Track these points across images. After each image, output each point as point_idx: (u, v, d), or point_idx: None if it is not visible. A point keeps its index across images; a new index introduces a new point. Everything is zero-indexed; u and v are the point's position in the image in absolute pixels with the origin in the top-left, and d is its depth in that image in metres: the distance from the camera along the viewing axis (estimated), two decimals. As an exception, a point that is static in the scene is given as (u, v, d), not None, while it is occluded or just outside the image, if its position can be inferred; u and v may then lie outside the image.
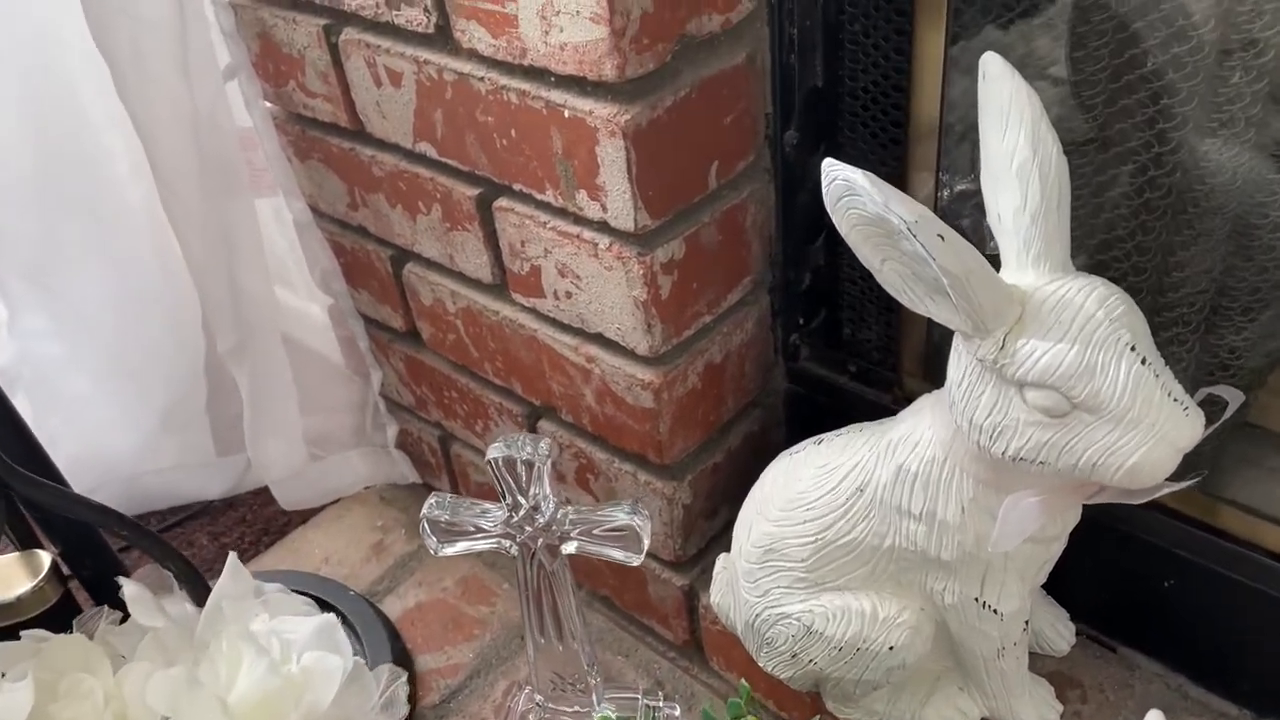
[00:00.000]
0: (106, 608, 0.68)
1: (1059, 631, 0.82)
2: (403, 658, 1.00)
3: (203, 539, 1.26)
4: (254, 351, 1.11)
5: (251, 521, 1.27)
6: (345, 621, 1.02)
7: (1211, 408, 0.60)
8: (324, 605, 1.04)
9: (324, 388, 1.19)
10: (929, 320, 0.82)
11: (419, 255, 0.95)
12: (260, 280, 1.08)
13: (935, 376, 0.76)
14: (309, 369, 1.17)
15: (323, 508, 1.22)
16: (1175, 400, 0.57)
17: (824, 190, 0.58)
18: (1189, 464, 0.59)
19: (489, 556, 1.13)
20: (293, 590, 0.87)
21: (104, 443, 1.27)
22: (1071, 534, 0.72)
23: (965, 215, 0.79)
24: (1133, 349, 0.57)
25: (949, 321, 0.60)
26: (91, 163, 1.13)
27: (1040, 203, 0.59)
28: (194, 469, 1.30)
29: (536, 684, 0.86)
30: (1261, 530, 0.71)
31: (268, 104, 0.98)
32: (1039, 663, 0.82)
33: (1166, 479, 0.59)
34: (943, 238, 0.55)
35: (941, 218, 0.56)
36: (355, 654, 0.81)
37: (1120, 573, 0.79)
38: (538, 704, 0.87)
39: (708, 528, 0.92)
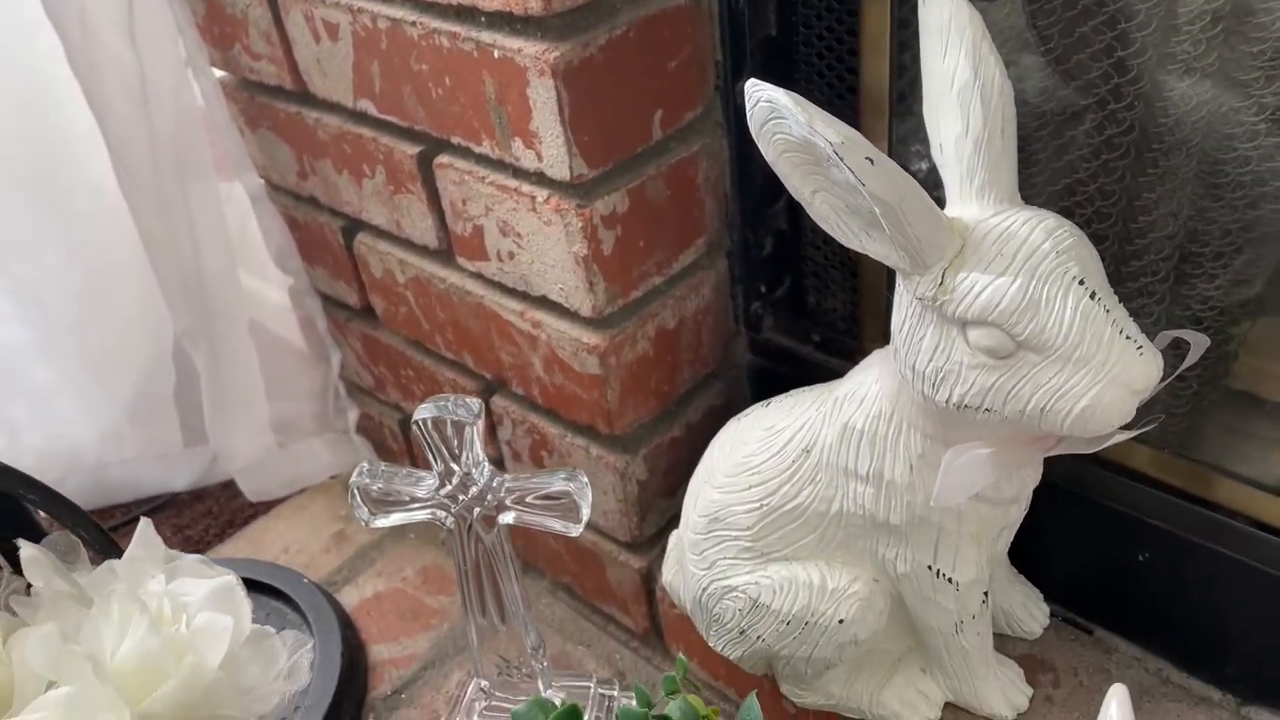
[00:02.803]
0: (7, 571, 0.64)
1: (1031, 612, 0.77)
2: (355, 647, 0.96)
3: (166, 531, 1.22)
4: (213, 334, 1.08)
5: (217, 514, 1.24)
6: (296, 610, 0.98)
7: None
8: (275, 593, 1.00)
9: (286, 373, 1.16)
10: (887, 286, 0.79)
11: (368, 224, 0.91)
12: (222, 263, 1.05)
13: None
14: (270, 354, 1.14)
15: (286, 498, 1.19)
16: (1128, 338, 0.53)
17: (748, 114, 0.54)
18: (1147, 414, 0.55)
19: (452, 546, 1.09)
20: (242, 578, 0.83)
21: (68, 433, 1.24)
22: (1041, 505, 0.68)
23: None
24: (1081, 283, 0.53)
25: (886, 258, 0.56)
26: (51, 146, 1.11)
27: (983, 128, 0.55)
28: (160, 460, 1.27)
29: (480, 669, 0.82)
30: (1243, 496, 0.66)
31: (217, 71, 0.95)
32: (1011, 645, 0.77)
33: (1122, 426, 0.54)
34: (871, 161, 0.51)
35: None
36: (304, 639, 0.77)
37: (1094, 547, 0.74)
38: (484, 690, 0.83)
39: (667, 506, 0.88)
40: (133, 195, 1.00)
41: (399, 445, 1.11)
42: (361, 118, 0.84)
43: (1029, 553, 0.76)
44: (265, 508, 1.19)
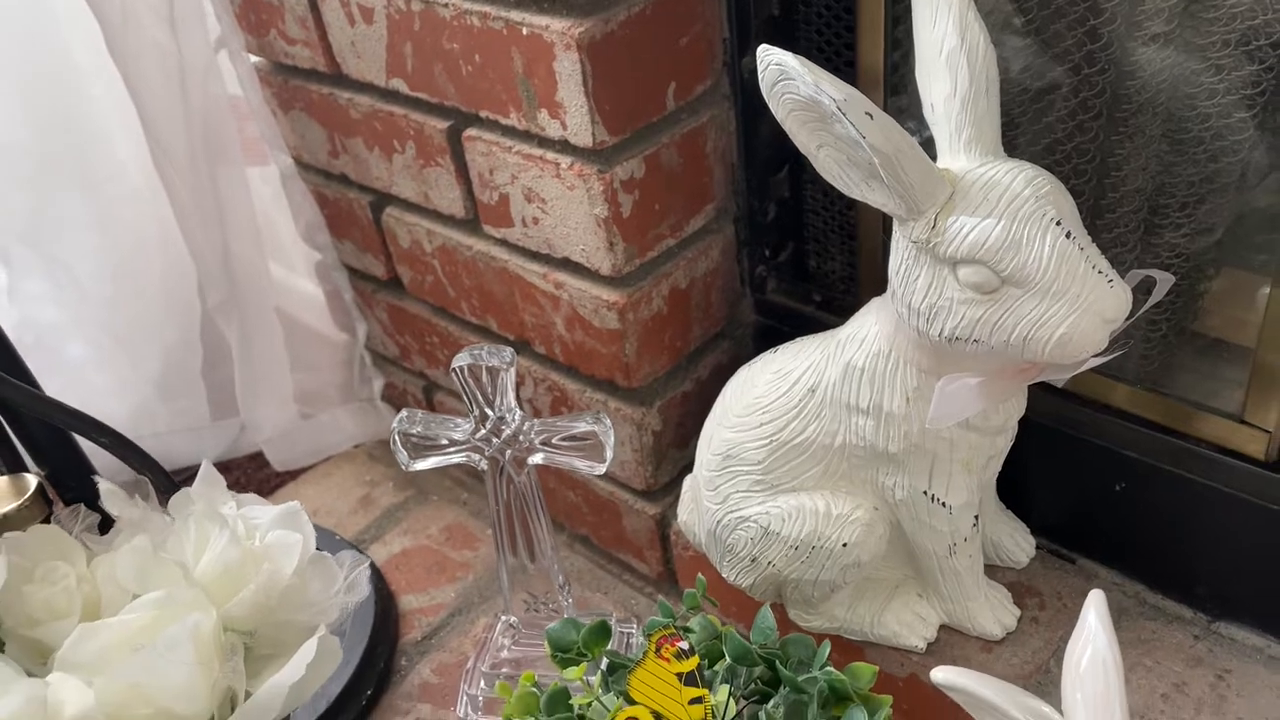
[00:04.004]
0: (83, 507, 0.70)
1: (1018, 543, 0.83)
2: (386, 596, 1.02)
3: (197, 499, 1.28)
4: (243, 310, 1.14)
5: (245, 484, 1.30)
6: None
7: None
8: (310, 547, 1.06)
9: (312, 346, 1.22)
10: (884, 250, 0.85)
11: (396, 197, 0.97)
12: (251, 245, 1.11)
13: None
14: (297, 329, 1.20)
15: (312, 466, 1.25)
16: (1100, 273, 0.59)
17: (760, 76, 0.60)
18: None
19: (475, 504, 1.15)
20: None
21: (102, 407, 1.28)
22: (1026, 444, 0.74)
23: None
24: (1058, 224, 0.59)
25: (884, 205, 0.62)
26: (86, 129, 1.17)
27: (969, 88, 0.61)
28: (190, 433, 1.32)
29: (510, 606, 0.88)
30: (1209, 425, 0.73)
31: (252, 57, 1.01)
32: (999, 575, 0.83)
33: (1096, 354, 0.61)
34: (871, 116, 0.57)
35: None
36: (361, 559, 0.81)
37: (1075, 481, 0.80)
38: (512, 626, 0.89)
39: (679, 457, 0.94)
40: (169, 176, 1.05)
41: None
42: (393, 96, 0.90)
43: (1016, 489, 0.83)
44: (291, 476, 1.25)
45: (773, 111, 0.61)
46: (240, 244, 1.10)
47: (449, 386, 1.10)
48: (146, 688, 0.53)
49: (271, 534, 0.63)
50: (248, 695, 0.58)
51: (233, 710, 0.57)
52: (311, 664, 0.57)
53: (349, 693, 0.91)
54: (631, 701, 0.62)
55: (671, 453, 0.93)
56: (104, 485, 0.67)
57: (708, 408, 0.84)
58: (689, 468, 0.95)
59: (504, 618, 0.90)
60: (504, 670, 0.89)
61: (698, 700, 0.62)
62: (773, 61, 0.59)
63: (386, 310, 1.10)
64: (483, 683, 0.89)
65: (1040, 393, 0.74)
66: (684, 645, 0.62)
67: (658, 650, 0.61)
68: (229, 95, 1.04)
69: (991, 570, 0.82)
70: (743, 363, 0.95)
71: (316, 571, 0.64)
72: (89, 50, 1.05)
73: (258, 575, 0.60)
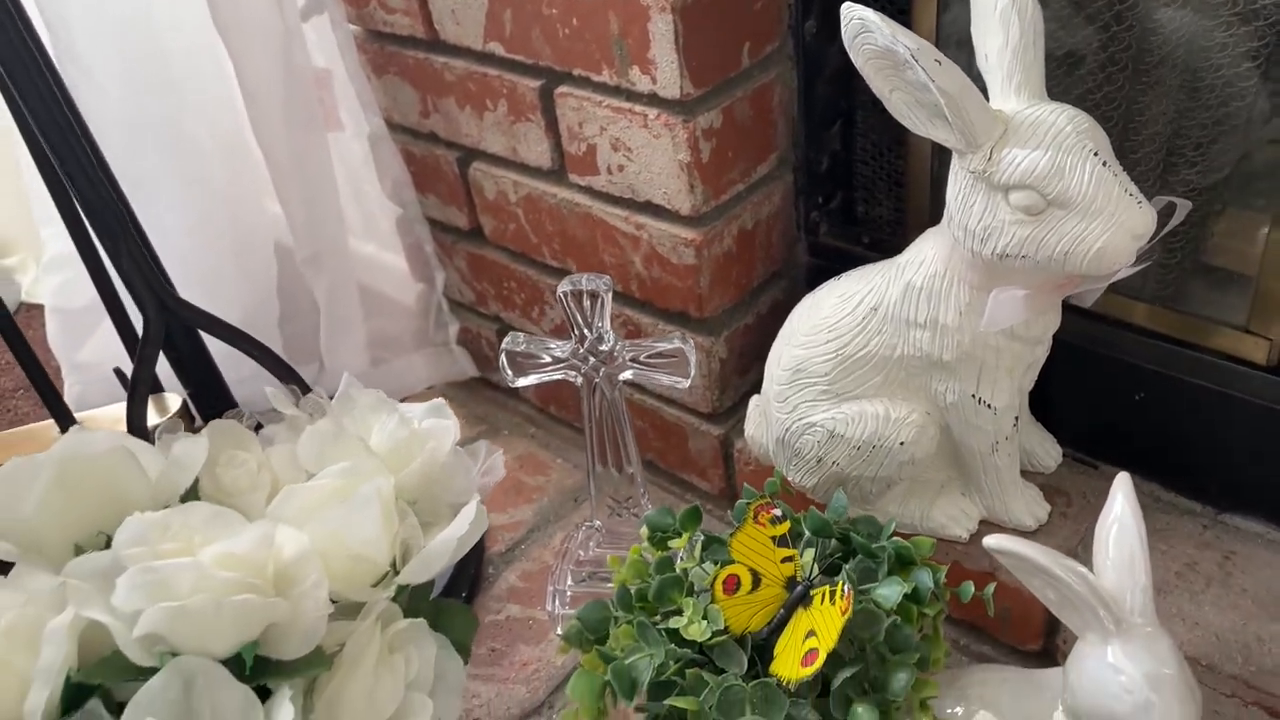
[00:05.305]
0: (244, 412, 0.81)
1: (1047, 451, 0.94)
2: (470, 515, 1.13)
3: (279, 439, 1.38)
4: (329, 263, 1.24)
5: (321, 426, 1.40)
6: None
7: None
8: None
9: (390, 297, 1.32)
10: (930, 195, 0.96)
11: (484, 152, 1.08)
12: (334, 205, 1.21)
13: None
14: (376, 280, 1.31)
15: (389, 406, 1.35)
16: (1131, 195, 0.70)
17: (843, 30, 0.71)
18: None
19: (543, 438, 1.26)
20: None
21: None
22: (1056, 362, 0.85)
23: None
24: (1095, 154, 0.70)
25: (946, 141, 0.73)
26: (179, 92, 1.26)
27: (1020, 40, 0.72)
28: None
29: (596, 510, 0.99)
30: (1218, 336, 0.84)
31: (351, 26, 1.11)
32: (1031, 478, 0.94)
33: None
34: (939, 62, 0.68)
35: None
36: (494, 448, 0.89)
37: (1098, 393, 0.91)
38: (597, 528, 1.00)
39: (740, 384, 1.05)
40: (266, 139, 1.15)
41: (494, 353, 1.28)
42: (488, 58, 1.01)
43: (1046, 404, 0.94)
44: (367, 417, 1.35)
45: (853, 60, 0.72)
46: (326, 203, 1.20)
47: (522, 328, 1.21)
48: (344, 536, 0.64)
49: (425, 421, 0.74)
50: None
51: (405, 562, 0.68)
52: (472, 524, 0.68)
53: (447, 593, 1.03)
54: (731, 562, 0.73)
55: (734, 380, 1.05)
56: (271, 390, 0.78)
57: (767, 340, 0.95)
58: (749, 393, 1.06)
59: (588, 524, 1.01)
60: (588, 569, 1.00)
61: (788, 559, 0.73)
62: (854, 16, 0.70)
63: (465, 259, 1.21)
64: (569, 579, 1.00)
65: (1070, 315, 0.85)
66: (777, 512, 0.73)
67: (755, 517, 0.73)
68: (313, 67, 1.14)
69: (1024, 475, 0.93)
70: (797, 300, 1.06)
71: (459, 457, 0.75)
72: (177, 27, 1.15)
73: (422, 452, 0.71)
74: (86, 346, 1.39)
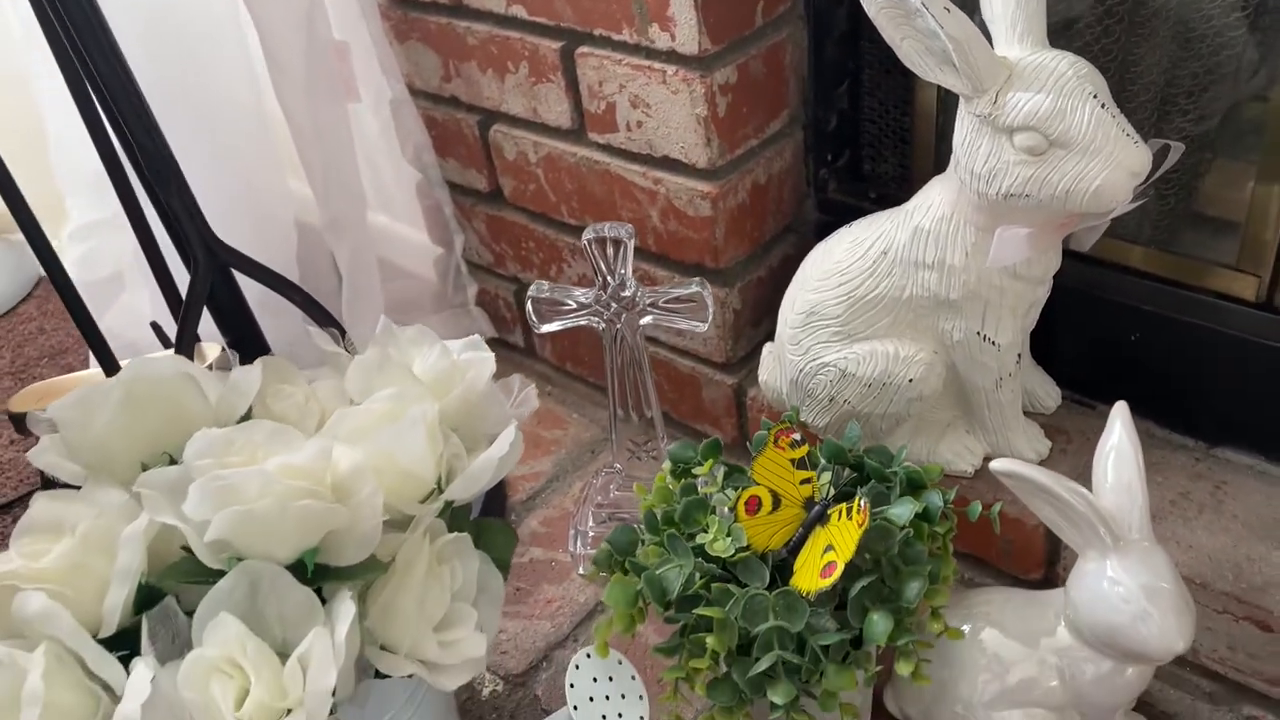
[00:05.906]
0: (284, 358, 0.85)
1: (1048, 392, 0.99)
2: (492, 465, 1.18)
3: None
4: (349, 228, 1.28)
5: (341, 389, 1.44)
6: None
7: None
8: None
9: (409, 261, 1.36)
10: (934, 153, 1.01)
11: (505, 114, 1.13)
12: (353, 172, 1.25)
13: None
14: (394, 246, 1.35)
15: (408, 367, 1.39)
16: (1128, 135, 0.75)
17: (856, -19, 0.76)
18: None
19: (559, 395, 1.31)
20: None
21: (206, 320, 1.44)
22: (1055, 307, 0.90)
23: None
24: (1094, 96, 0.75)
25: (954, 86, 0.78)
26: (206, 67, 1.30)
27: (1022, -10, 0.77)
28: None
29: (616, 454, 1.04)
30: (1209, 274, 0.88)
31: (375, -8, 1.16)
32: (1032, 418, 0.99)
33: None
34: (948, 10, 0.73)
35: None
36: (527, 382, 0.93)
37: (1095, 335, 0.96)
38: (617, 471, 1.04)
39: (753, 334, 1.10)
40: (290, 107, 1.19)
41: (511, 314, 1.32)
42: (510, 21, 1.05)
43: (1046, 347, 0.99)
44: (387, 378, 1.40)
45: (865, 10, 0.76)
46: (347, 170, 1.24)
47: (540, 287, 1.25)
48: (395, 454, 0.69)
49: (464, 354, 0.79)
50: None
51: (449, 481, 0.72)
52: (511, 447, 0.73)
53: (473, 537, 1.07)
54: (753, 485, 0.78)
55: (747, 330, 1.09)
56: (313, 329, 0.82)
57: (778, 293, 0.99)
58: (761, 343, 1.11)
59: (608, 469, 1.06)
60: (608, 510, 1.04)
61: (807, 481, 0.77)
62: (868, -32, 0.75)
63: (485, 221, 1.25)
64: (591, 520, 1.04)
65: (1068, 260, 0.89)
66: (796, 437, 0.77)
67: (775, 441, 0.77)
68: (332, 39, 1.18)
69: (1025, 415, 0.98)
70: (805, 255, 1.11)
71: (494, 391, 0.80)
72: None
73: (462, 381, 0.75)
74: (105, 317, 1.43)
